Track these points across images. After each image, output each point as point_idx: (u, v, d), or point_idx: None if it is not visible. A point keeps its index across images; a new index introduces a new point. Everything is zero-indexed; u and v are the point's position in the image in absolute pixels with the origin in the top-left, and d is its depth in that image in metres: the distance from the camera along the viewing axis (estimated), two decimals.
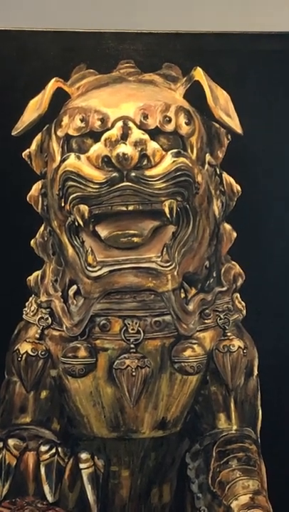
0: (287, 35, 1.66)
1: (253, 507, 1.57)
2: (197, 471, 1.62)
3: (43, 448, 1.57)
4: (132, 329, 1.58)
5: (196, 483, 1.61)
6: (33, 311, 1.61)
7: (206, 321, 1.61)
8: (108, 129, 1.52)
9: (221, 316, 1.62)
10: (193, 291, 1.61)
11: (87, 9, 2.26)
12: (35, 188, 1.61)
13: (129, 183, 1.51)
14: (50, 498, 1.55)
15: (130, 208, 1.53)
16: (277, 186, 1.65)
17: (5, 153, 1.60)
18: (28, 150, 1.60)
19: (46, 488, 1.55)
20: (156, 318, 1.58)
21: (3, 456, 1.56)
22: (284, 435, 1.66)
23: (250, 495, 1.58)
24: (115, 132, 1.51)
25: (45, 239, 1.61)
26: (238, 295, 1.63)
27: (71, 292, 1.59)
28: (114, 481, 1.61)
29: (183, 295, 1.59)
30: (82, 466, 1.57)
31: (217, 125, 1.60)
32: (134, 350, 1.58)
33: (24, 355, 1.59)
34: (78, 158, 1.53)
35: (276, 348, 1.65)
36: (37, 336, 1.61)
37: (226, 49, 1.63)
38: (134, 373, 1.57)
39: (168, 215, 1.53)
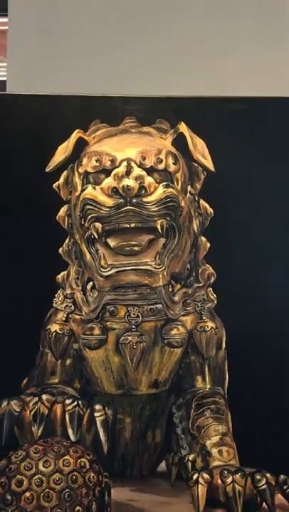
0: (247, 99, 1.72)
1: (221, 445, 1.64)
2: (180, 418, 1.69)
3: (68, 401, 1.61)
4: (134, 314, 1.66)
5: (180, 428, 1.69)
6: (60, 301, 1.69)
7: (187, 308, 1.69)
8: (116, 167, 1.62)
9: (199, 305, 1.70)
10: (178, 286, 1.68)
11: (100, 80, 2.34)
12: (63, 210, 1.69)
13: (132, 207, 1.62)
14: (72, 438, 1.60)
15: (132, 225, 1.63)
16: (239, 209, 1.72)
17: (40, 185, 1.67)
18: (57, 182, 1.69)
19: (70, 430, 1.60)
20: (151, 306, 1.66)
21: (38, 407, 1.60)
22: (245, 392, 1.70)
23: (220, 436, 1.65)
24: (121, 170, 1.61)
25: (70, 248, 1.70)
26: (211, 289, 1.70)
27: (88, 287, 1.67)
28: (119, 425, 1.67)
29: (170, 289, 1.67)
30: (96, 414, 1.61)
31: (196, 164, 1.69)
32: (134, 330, 1.66)
33: (54, 333, 1.68)
34: (94, 188, 1.63)
35: (239, 328, 1.70)
36: (63, 319, 1.69)
37: (203, 109, 1.70)
38: (134, 347, 1.66)
39: (160, 231, 1.63)
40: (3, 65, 2.94)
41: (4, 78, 2.81)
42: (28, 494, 1.57)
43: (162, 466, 1.70)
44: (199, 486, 1.61)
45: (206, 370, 1.70)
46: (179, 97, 1.71)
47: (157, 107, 1.70)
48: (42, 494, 1.58)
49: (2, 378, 1.68)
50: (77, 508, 1.58)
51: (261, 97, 1.73)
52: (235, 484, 1.60)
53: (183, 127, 1.67)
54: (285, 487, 1.61)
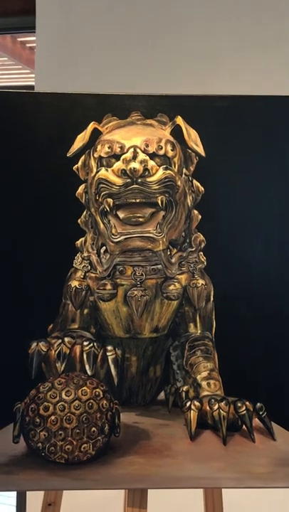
0: (231, 97, 1.71)
1: (209, 378, 1.66)
2: (176, 357, 1.71)
3: (85, 343, 1.63)
4: (138, 273, 1.67)
5: (176, 365, 1.70)
6: (79, 262, 1.69)
7: (182, 269, 1.69)
8: (124, 153, 1.62)
9: (191, 266, 1.70)
10: (175, 250, 1.69)
11: (110, 81, 2.34)
12: (81, 188, 1.68)
13: (137, 186, 1.62)
14: (89, 372, 1.61)
15: (137, 200, 1.63)
16: (225, 188, 1.71)
17: (63, 167, 1.67)
18: (76, 165, 1.68)
19: (87, 366, 1.61)
20: (153, 267, 1.67)
21: (61, 347, 1.61)
22: (229, 336, 1.70)
23: (208, 371, 1.67)
24: (129, 155, 1.61)
25: (87, 219, 1.69)
26: (202, 253, 1.70)
27: (102, 251, 1.67)
28: (127, 362, 1.69)
29: (169, 253, 1.67)
30: (108, 353, 1.63)
31: (190, 151, 1.68)
32: (139, 286, 1.67)
33: (74, 288, 1.69)
34: (106, 170, 1.63)
35: (224, 285, 1.71)
36: (81, 276, 1.69)
37: (196, 105, 1.70)
38: (139, 299, 1.67)
39: (160, 205, 1.63)
40: (32, 75, 2.95)
41: (33, 83, 2.83)
42: (53, 417, 1.59)
43: (161, 395, 1.72)
44: (191, 411, 1.64)
45: (197, 318, 1.71)
46: (176, 95, 1.70)
47: (158, 103, 1.68)
48: (64, 418, 1.59)
49: (32, 325, 1.68)
50: (93, 429, 1.59)
51: (243, 95, 1.72)
52: (221, 410, 1.62)
53: (179, 120, 1.67)
54: (261, 412, 1.64)
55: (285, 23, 2.47)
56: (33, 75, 2.86)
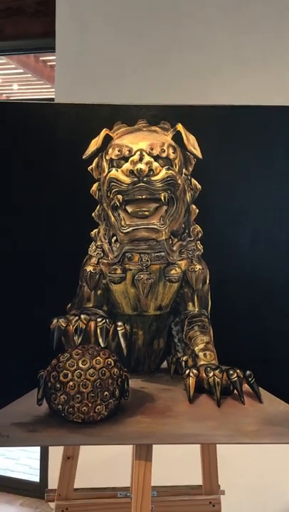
0: (224, 107, 1.70)
1: (205, 350, 1.66)
2: (177, 331, 1.70)
3: (99, 319, 1.64)
4: (144, 259, 1.65)
5: (177, 338, 1.70)
6: (93, 250, 1.67)
7: (182, 255, 1.67)
8: (132, 156, 1.60)
9: (190, 253, 1.68)
10: (176, 240, 1.67)
11: (121, 92, 2.33)
12: (95, 186, 1.66)
13: (143, 184, 1.61)
14: (102, 344, 1.61)
15: (143, 196, 1.62)
16: (219, 185, 1.70)
17: (79, 168, 1.65)
18: (91, 166, 1.66)
19: (100, 339, 1.62)
20: (157, 254, 1.66)
21: (78, 323, 1.62)
22: (222, 314, 1.69)
23: (204, 344, 1.66)
24: (136, 157, 1.60)
25: (100, 212, 1.67)
26: (199, 242, 1.68)
27: (113, 240, 1.66)
28: (134, 336, 1.68)
29: (170, 242, 1.66)
30: (118, 328, 1.64)
31: (189, 153, 1.66)
32: (145, 270, 1.66)
33: (89, 272, 1.67)
34: (117, 170, 1.62)
35: (218, 269, 1.69)
36: (95, 262, 1.67)
37: (194, 113, 1.68)
38: (145, 282, 1.66)
39: (163, 201, 1.62)
40: (53, 89, 2.94)
41: (53, 96, 2.82)
42: (71, 383, 1.60)
43: (164, 364, 1.71)
44: (190, 378, 1.65)
45: (195, 298, 1.70)
46: (177, 105, 1.68)
47: (161, 113, 1.67)
48: (81, 383, 1.60)
49: (53, 304, 1.67)
50: (106, 393, 1.60)
51: (234, 105, 1.70)
52: (215, 377, 1.64)
53: (180, 127, 1.65)
54: (250, 379, 1.65)
55: (273, 46, 2.45)
56: (53, 90, 2.85)
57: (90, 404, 1.60)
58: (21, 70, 4.50)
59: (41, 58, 4.35)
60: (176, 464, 2.10)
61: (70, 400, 1.60)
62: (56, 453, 2.64)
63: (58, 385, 1.60)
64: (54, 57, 2.82)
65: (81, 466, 1.89)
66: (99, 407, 1.61)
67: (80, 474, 1.89)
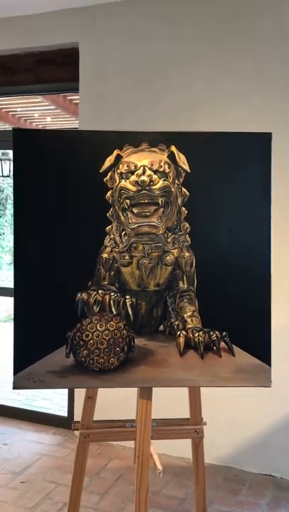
0: (207, 133, 1.69)
1: (192, 316, 1.65)
2: (171, 303, 1.68)
3: (112, 293, 1.63)
4: (146, 248, 1.64)
5: (171, 308, 1.68)
6: (108, 241, 1.65)
7: (174, 245, 1.66)
8: (137, 170, 1.60)
9: (181, 243, 1.66)
10: (170, 234, 1.65)
11: (129, 123, 2.32)
12: (109, 193, 1.64)
13: (145, 191, 1.60)
14: (114, 312, 1.61)
15: (146, 201, 1.61)
16: (202, 192, 1.67)
17: (97, 179, 1.64)
18: (106, 178, 1.64)
19: (113, 309, 1.62)
20: (156, 244, 1.64)
21: (96, 296, 1.61)
22: (205, 289, 1.67)
23: (191, 312, 1.66)
24: (140, 171, 1.60)
25: (112, 213, 1.65)
26: (187, 235, 1.67)
27: (122, 234, 1.64)
28: (138, 306, 1.66)
29: (166, 235, 1.65)
30: (127, 300, 1.64)
31: (180, 168, 1.64)
32: (147, 257, 1.64)
33: (104, 258, 1.66)
34: (125, 181, 1.61)
35: (202, 256, 1.67)
36: (109, 251, 1.65)
37: (184, 138, 1.66)
38: (147, 266, 1.65)
39: (160, 204, 1.61)
40: (77, 121, 2.93)
41: (77, 127, 2.81)
42: (91, 341, 1.60)
43: (161, 327, 1.70)
44: (180, 337, 1.65)
45: (184, 278, 1.68)
46: (171, 132, 1.67)
47: (159, 137, 1.65)
48: (98, 341, 1.60)
49: (78, 282, 1.66)
50: (117, 348, 1.61)
51: (214, 131, 1.69)
52: (199, 337, 1.64)
53: (173, 148, 1.64)
54: (225, 338, 1.65)
55: (247, 87, 2.44)
56: (78, 121, 2.84)
57: (105, 357, 1.61)
58: (53, 107, 4.48)
59: (68, 97, 4.32)
60: (170, 402, 2.10)
61: (91, 353, 1.61)
62: (80, 394, 2.65)
63: (81, 343, 1.61)
64: (78, 97, 2.81)
65: (99, 404, 1.89)
66: (112, 359, 1.61)
67: (98, 410, 1.89)
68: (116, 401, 2.28)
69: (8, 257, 8.30)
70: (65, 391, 3.08)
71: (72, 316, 1.63)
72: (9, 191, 8.18)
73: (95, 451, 2.62)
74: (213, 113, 2.44)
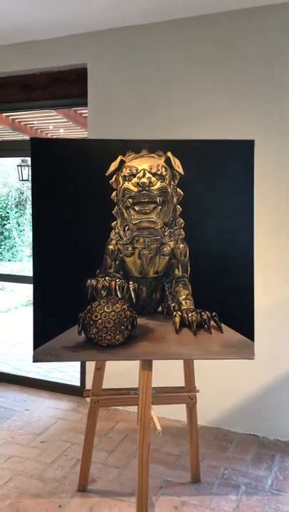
0: (199, 141, 1.67)
1: (186, 299, 1.65)
2: (168, 288, 1.66)
3: (117, 280, 1.63)
4: (147, 241, 1.63)
5: (168, 292, 1.67)
6: (113, 235, 1.64)
7: (171, 238, 1.65)
8: (138, 173, 1.59)
9: (176, 237, 1.65)
10: (167, 228, 1.64)
11: (131, 132, 2.30)
12: (114, 193, 1.63)
13: (145, 192, 1.59)
14: (120, 296, 1.62)
15: (146, 200, 1.60)
16: (195, 192, 1.66)
17: (104, 181, 1.62)
18: (111, 180, 1.63)
19: (118, 293, 1.62)
20: (155, 237, 1.64)
21: (104, 283, 1.61)
22: (197, 276, 1.67)
23: (185, 295, 1.66)
24: (140, 174, 1.59)
25: (117, 211, 1.63)
26: (182, 229, 1.66)
27: (126, 228, 1.63)
28: (140, 291, 1.65)
29: (163, 229, 1.64)
30: (130, 286, 1.64)
31: (175, 171, 1.63)
32: (147, 248, 1.63)
33: (110, 249, 1.64)
34: (128, 183, 1.60)
35: (194, 247, 1.66)
36: (114, 243, 1.64)
37: (178, 145, 1.64)
38: (147, 256, 1.64)
39: (159, 203, 1.61)
40: (86, 132, 2.90)
41: (87, 137, 2.77)
42: (99, 321, 1.60)
43: (160, 309, 1.69)
44: (176, 317, 1.65)
45: (179, 266, 1.67)
46: (167, 140, 1.66)
47: (157, 145, 1.64)
48: (106, 321, 1.60)
49: (89, 271, 1.65)
50: (122, 327, 1.61)
51: (206, 139, 1.68)
52: (192, 317, 1.64)
53: (169, 154, 1.63)
54: (215, 318, 1.65)
55: (231, 105, 2.42)
56: (86, 132, 2.82)
57: (112, 334, 1.61)
58: (65, 120, 4.44)
59: (78, 111, 4.29)
60: (167, 373, 2.11)
61: (99, 331, 1.61)
62: (90, 366, 2.66)
63: (91, 322, 1.61)
64: (87, 111, 2.79)
65: (106, 375, 1.90)
66: (118, 336, 1.62)
67: (106, 380, 1.90)
68: (121, 372, 2.29)
69: (28, 251, 8.30)
70: (78, 364, 3.09)
71: (83, 300, 1.63)
72: (28, 193, 8.17)
73: (104, 416, 2.63)
74: (206, 126, 2.42)
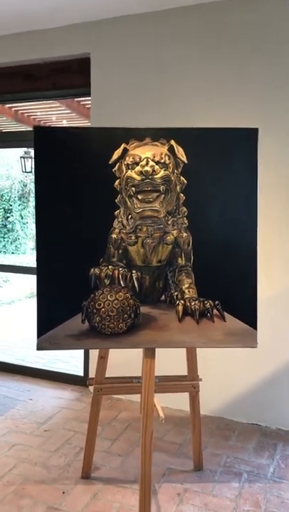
0: (201, 129, 1.66)
1: (189, 288, 1.65)
2: (171, 276, 1.66)
3: (120, 269, 1.63)
4: (150, 230, 1.63)
5: (171, 281, 1.66)
6: (116, 224, 1.64)
7: (174, 227, 1.64)
8: (141, 161, 1.58)
9: (179, 225, 1.65)
10: (170, 217, 1.64)
11: (134, 121, 2.29)
12: (117, 182, 1.63)
13: (149, 180, 1.59)
14: (122, 284, 1.61)
15: (149, 188, 1.60)
16: (198, 180, 1.66)
17: (107, 170, 1.62)
18: (114, 168, 1.63)
19: (121, 282, 1.62)
20: (158, 226, 1.63)
21: (107, 271, 1.61)
22: (200, 265, 1.67)
23: (188, 284, 1.66)
24: (144, 162, 1.58)
25: (120, 199, 1.63)
26: (185, 218, 1.65)
27: (129, 217, 1.63)
28: (143, 279, 1.65)
29: (167, 218, 1.63)
30: (133, 274, 1.63)
31: (178, 159, 1.62)
32: (150, 237, 1.63)
33: (114, 238, 1.64)
34: (131, 171, 1.59)
35: (197, 236, 1.66)
36: (118, 232, 1.63)
37: (182, 133, 1.63)
38: (150, 244, 1.64)
39: (162, 191, 1.60)
40: (89, 123, 2.90)
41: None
42: (103, 309, 1.61)
43: (162, 298, 1.69)
44: (179, 306, 1.65)
45: (182, 255, 1.67)
46: (170, 128, 1.65)
47: (160, 133, 1.63)
48: (109, 309, 1.61)
49: (92, 260, 1.65)
50: (125, 315, 1.61)
51: (209, 127, 1.67)
52: (195, 305, 1.64)
53: (173, 142, 1.62)
54: (218, 306, 1.65)
55: (232, 100, 2.40)
56: (89, 123, 2.81)
57: (115, 323, 1.62)
58: (68, 111, 4.42)
59: (81, 103, 4.27)
60: (171, 361, 2.11)
61: (102, 319, 1.61)
62: (94, 356, 2.67)
63: (95, 311, 1.61)
64: (90, 101, 2.77)
65: (110, 363, 1.91)
66: (121, 324, 1.62)
67: (109, 368, 1.91)
68: (124, 360, 2.29)
69: (32, 243, 8.31)
70: (81, 355, 3.10)
71: (86, 288, 1.63)
72: (31, 186, 8.16)
73: (107, 405, 2.65)
74: (209, 117, 2.41)
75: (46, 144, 1.64)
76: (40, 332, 1.63)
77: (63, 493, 1.85)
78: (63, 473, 1.99)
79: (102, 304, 1.62)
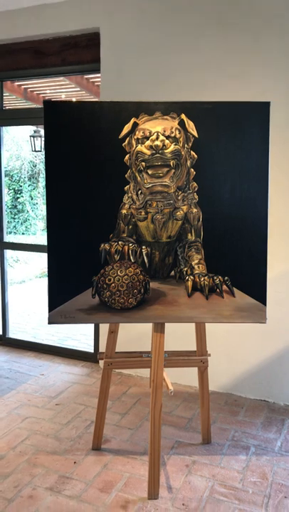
0: (213, 103, 1.62)
1: (199, 263, 1.65)
2: (181, 252, 1.66)
3: (130, 244, 1.63)
4: (160, 205, 1.62)
5: (180, 256, 1.67)
6: (126, 199, 1.63)
7: (184, 202, 1.64)
8: (151, 136, 1.57)
9: (189, 201, 1.64)
10: (180, 192, 1.63)
11: (144, 95, 2.25)
12: (127, 157, 1.62)
13: (159, 155, 1.57)
14: (132, 260, 1.62)
15: (159, 163, 1.58)
16: (209, 154, 1.63)
17: (117, 144, 1.61)
18: (124, 143, 1.61)
19: (131, 257, 1.63)
20: (168, 202, 1.63)
21: (117, 247, 1.62)
22: (210, 240, 1.66)
23: (198, 259, 1.66)
24: (154, 137, 1.57)
25: (130, 174, 1.62)
26: (195, 193, 1.64)
27: (139, 192, 1.62)
28: (153, 255, 1.66)
29: (177, 193, 1.63)
30: (143, 250, 1.64)
31: (189, 134, 1.61)
32: (160, 212, 1.62)
33: (124, 214, 1.64)
34: (141, 146, 1.58)
35: (208, 211, 1.65)
36: (128, 207, 1.64)
37: (193, 107, 1.61)
38: (160, 220, 1.63)
39: (172, 166, 1.59)
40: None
41: None
42: (113, 284, 1.62)
43: (172, 273, 1.70)
44: (189, 281, 1.65)
45: (192, 231, 1.67)
46: (181, 101, 1.63)
47: (171, 107, 1.61)
48: (119, 284, 1.62)
49: (102, 235, 1.66)
50: (135, 290, 1.62)
51: (220, 101, 1.64)
52: (205, 281, 1.64)
53: (183, 116, 1.60)
54: (227, 282, 1.65)
55: (245, 62, 2.34)
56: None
57: (125, 298, 1.63)
58: (78, 88, 4.37)
59: (91, 80, 4.22)
60: (180, 337, 2.14)
61: (113, 294, 1.63)
62: (104, 331, 2.70)
63: (105, 286, 1.63)
64: (99, 79, 2.73)
65: (120, 338, 1.93)
66: (131, 299, 1.64)
67: (119, 343, 1.93)
68: (134, 335, 2.32)
69: (42, 224, 8.35)
70: (91, 333, 3.14)
71: (96, 264, 1.64)
72: (41, 166, 8.14)
73: (117, 380, 2.69)
74: (221, 83, 2.36)
75: (56, 118, 1.63)
76: (52, 306, 1.65)
77: (75, 463, 1.91)
78: (74, 445, 2.04)
79: (112, 279, 1.63)
